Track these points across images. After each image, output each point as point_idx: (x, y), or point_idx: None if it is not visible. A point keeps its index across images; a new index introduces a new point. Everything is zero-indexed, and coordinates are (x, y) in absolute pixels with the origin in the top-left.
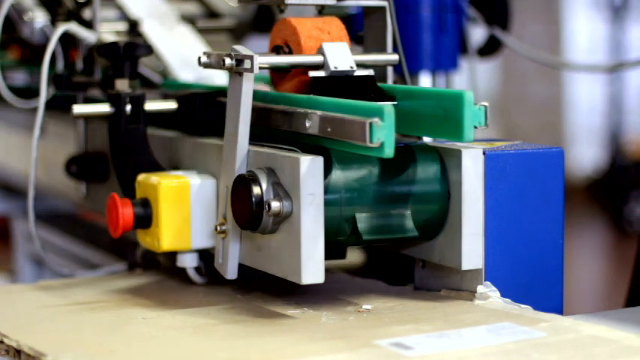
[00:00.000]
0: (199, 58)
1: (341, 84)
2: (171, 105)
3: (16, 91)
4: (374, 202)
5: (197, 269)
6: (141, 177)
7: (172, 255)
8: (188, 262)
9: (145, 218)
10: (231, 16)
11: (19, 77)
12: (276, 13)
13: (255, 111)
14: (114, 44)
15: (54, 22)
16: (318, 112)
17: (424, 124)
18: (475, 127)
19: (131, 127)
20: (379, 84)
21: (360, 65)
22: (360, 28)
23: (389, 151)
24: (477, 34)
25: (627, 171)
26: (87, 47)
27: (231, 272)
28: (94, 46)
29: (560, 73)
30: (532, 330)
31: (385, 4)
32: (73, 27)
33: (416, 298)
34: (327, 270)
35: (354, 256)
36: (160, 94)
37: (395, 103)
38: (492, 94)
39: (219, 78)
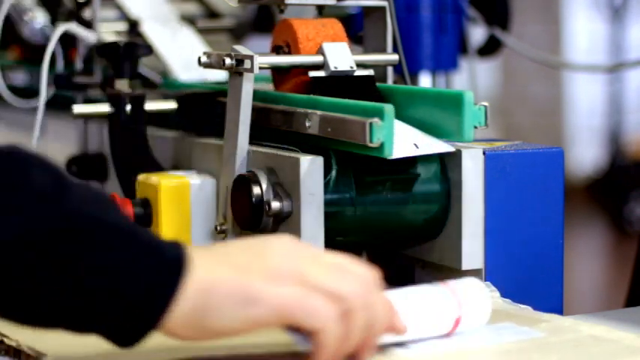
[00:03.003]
0: (199, 58)
1: (341, 84)
2: (171, 105)
3: (16, 91)
4: (374, 201)
5: None
6: (141, 177)
7: None
8: None
9: (145, 218)
10: (231, 16)
11: (19, 77)
12: (276, 13)
13: (255, 111)
14: (114, 44)
15: (54, 22)
16: (318, 112)
17: (424, 124)
18: (475, 127)
19: (131, 127)
20: (378, 84)
21: (360, 65)
22: (360, 28)
23: (389, 151)
24: (477, 34)
25: (627, 171)
26: (87, 47)
27: None
28: (94, 46)
29: (560, 73)
30: (532, 330)
31: (385, 4)
32: (73, 27)
33: None
34: None
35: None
36: (160, 94)
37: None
38: (492, 94)
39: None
